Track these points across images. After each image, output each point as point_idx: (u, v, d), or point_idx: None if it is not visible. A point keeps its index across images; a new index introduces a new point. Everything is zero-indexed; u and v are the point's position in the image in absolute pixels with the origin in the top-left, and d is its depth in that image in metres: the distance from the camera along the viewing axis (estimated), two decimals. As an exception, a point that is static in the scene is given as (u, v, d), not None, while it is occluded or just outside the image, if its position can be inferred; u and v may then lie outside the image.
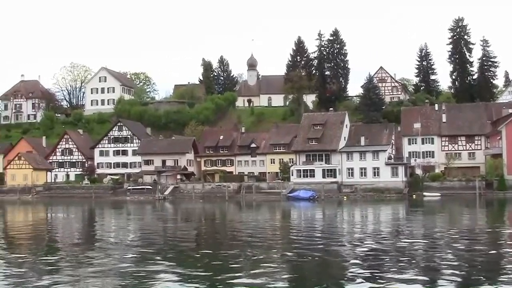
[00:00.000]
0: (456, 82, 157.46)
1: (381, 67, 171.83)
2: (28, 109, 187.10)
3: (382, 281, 25.81)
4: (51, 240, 47.43)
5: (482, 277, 27.08)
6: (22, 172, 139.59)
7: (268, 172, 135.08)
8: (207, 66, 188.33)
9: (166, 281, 26.67)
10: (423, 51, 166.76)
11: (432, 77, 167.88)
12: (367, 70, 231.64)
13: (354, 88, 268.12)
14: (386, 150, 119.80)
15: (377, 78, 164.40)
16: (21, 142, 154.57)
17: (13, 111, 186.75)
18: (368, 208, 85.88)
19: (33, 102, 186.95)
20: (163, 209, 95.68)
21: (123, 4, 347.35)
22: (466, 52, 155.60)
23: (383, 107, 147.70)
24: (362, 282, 25.68)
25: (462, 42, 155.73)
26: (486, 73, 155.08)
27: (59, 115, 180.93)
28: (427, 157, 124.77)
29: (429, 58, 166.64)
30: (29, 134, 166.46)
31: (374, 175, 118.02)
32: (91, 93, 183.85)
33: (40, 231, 56.83)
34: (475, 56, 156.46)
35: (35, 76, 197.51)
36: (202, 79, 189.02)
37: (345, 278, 27.40)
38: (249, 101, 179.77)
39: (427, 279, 26.49)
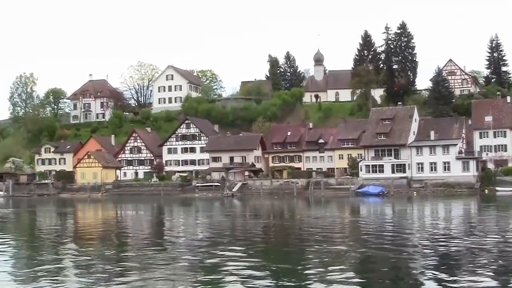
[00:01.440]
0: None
1: (450, 60, 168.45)
2: (96, 108, 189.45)
3: (457, 282, 24.95)
4: (121, 237, 47.54)
5: None
6: (92, 170, 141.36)
7: (337, 168, 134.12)
8: (273, 62, 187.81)
9: (238, 276, 26.38)
10: (494, 42, 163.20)
11: (504, 68, 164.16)
12: (436, 63, 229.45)
13: (423, 81, 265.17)
14: (457, 144, 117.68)
15: (446, 71, 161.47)
16: (90, 141, 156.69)
17: (82, 110, 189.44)
18: (439, 204, 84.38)
19: (102, 101, 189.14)
20: (232, 205, 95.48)
21: (189, 2, 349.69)
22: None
23: (453, 101, 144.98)
24: (437, 281, 24.89)
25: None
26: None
27: (127, 113, 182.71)
28: (499, 151, 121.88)
29: (500, 49, 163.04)
30: (98, 133, 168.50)
31: (445, 170, 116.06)
32: (159, 91, 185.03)
33: (111, 228, 57.15)
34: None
35: (103, 76, 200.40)
36: (268, 75, 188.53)
37: (418, 277, 26.65)
38: (316, 96, 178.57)
39: (506, 279, 25.53)
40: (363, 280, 26.31)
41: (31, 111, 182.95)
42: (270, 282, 25.61)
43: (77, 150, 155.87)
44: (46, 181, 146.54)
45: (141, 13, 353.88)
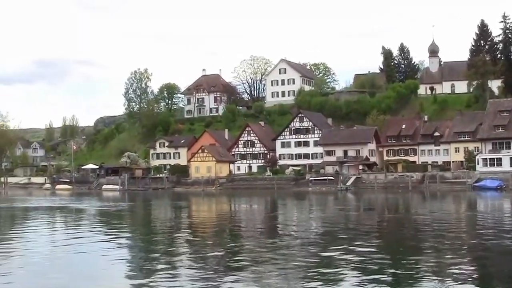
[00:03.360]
0: None
1: None
2: (210, 103, 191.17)
3: None
4: (235, 231, 47.36)
5: None
6: (206, 164, 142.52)
7: (452, 161, 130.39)
8: (387, 54, 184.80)
9: (357, 271, 25.30)
10: None
11: None
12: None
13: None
14: None
15: None
16: (204, 135, 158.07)
17: (196, 105, 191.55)
18: None
19: (215, 95, 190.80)
20: (346, 199, 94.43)
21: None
22: None
23: None
24: None
25: None
26: None
27: (240, 107, 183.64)
28: None
29: None
30: (211, 127, 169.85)
31: None
32: (272, 85, 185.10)
33: (225, 222, 57.17)
34: None
35: (216, 71, 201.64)
36: (382, 67, 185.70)
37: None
38: (431, 88, 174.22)
39: None
40: (484, 276, 24.82)
41: (145, 106, 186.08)
42: (387, 277, 24.43)
43: (191, 145, 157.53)
44: (161, 175, 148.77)
45: (254, 8, 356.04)
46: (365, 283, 23.61)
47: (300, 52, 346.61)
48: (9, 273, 26.94)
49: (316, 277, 24.90)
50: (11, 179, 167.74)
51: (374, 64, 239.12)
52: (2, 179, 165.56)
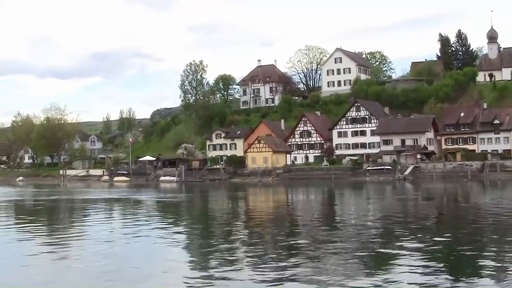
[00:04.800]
0: None
1: None
2: (266, 93, 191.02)
3: None
4: (292, 222, 47.05)
5: None
6: (262, 155, 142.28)
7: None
8: (444, 41, 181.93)
9: (412, 267, 24.70)
10: None
11: None
12: None
13: None
14: None
15: None
16: (260, 125, 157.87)
17: (252, 95, 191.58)
18: None
19: (271, 86, 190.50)
20: (404, 189, 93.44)
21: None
22: None
23: None
24: None
25: None
26: None
27: (296, 97, 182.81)
28: None
29: None
30: (267, 118, 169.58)
31: None
32: (327, 74, 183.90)
33: (282, 212, 56.89)
34: None
35: (271, 61, 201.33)
36: (439, 55, 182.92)
37: None
38: (491, 75, 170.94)
39: None
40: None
41: (201, 98, 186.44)
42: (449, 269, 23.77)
43: (248, 135, 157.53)
44: (218, 166, 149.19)
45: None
46: (425, 274, 23.01)
47: (355, 41, 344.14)
48: (77, 258, 27.16)
49: (375, 269, 24.42)
50: (69, 172, 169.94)
51: (431, 51, 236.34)
52: (61, 171, 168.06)
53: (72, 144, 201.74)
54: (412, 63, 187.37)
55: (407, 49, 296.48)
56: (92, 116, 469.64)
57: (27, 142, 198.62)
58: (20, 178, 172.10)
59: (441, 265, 24.77)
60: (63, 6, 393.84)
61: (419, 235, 33.97)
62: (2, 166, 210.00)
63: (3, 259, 29.87)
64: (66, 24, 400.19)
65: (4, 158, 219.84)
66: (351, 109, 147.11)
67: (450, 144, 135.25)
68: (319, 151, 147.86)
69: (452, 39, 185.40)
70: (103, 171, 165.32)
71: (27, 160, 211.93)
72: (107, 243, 34.54)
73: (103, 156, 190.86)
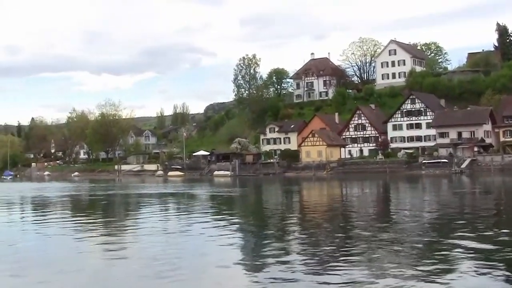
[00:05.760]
0: None
1: None
2: (319, 87, 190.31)
3: None
4: (347, 215, 46.24)
5: None
6: (316, 148, 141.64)
7: None
8: (502, 31, 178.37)
9: (464, 260, 23.74)
10: None
11: None
12: None
13: None
14: None
15: None
16: (314, 119, 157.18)
17: (305, 89, 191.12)
18: None
19: (324, 79, 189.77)
20: (461, 183, 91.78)
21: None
22: None
23: None
24: None
25: None
26: None
27: (350, 90, 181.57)
28: None
29: None
30: (321, 111, 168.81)
31: None
32: (381, 67, 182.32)
33: (336, 206, 56.11)
34: None
35: (324, 54, 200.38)
36: (497, 45, 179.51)
37: None
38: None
39: None
40: None
41: (254, 92, 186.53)
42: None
43: (301, 129, 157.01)
44: (272, 160, 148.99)
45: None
46: (484, 271, 22.02)
47: (410, 32, 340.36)
48: (133, 249, 26.98)
49: (433, 264, 23.50)
50: (124, 167, 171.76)
51: (488, 41, 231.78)
52: (116, 166, 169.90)
53: (127, 139, 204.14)
54: (469, 53, 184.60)
55: (463, 40, 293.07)
56: (146, 111, 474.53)
57: (82, 138, 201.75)
58: (76, 173, 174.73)
59: (502, 264, 23.69)
60: (115, 1, 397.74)
61: (479, 231, 32.90)
62: (58, 161, 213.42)
63: (71, 247, 30.16)
64: (119, 20, 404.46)
65: (60, 153, 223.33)
66: (406, 102, 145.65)
67: (508, 137, 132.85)
68: (374, 144, 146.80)
69: (511, 28, 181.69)
70: (157, 166, 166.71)
71: (82, 155, 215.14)
72: (164, 235, 34.76)
73: (157, 151, 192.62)
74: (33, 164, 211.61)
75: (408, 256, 25.48)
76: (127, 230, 39.10)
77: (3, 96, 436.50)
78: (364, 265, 23.81)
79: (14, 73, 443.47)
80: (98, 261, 26.88)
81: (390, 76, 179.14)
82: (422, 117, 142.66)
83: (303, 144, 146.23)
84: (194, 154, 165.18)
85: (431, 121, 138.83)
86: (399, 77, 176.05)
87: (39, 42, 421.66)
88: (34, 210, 58.75)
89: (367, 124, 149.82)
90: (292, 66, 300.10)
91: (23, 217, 52.25)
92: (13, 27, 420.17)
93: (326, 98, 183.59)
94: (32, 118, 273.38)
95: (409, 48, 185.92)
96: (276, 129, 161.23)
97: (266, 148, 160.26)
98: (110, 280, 22.83)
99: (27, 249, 30.92)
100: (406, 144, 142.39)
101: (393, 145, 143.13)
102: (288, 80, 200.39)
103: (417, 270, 22.45)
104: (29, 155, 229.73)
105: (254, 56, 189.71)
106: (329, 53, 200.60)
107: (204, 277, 23.14)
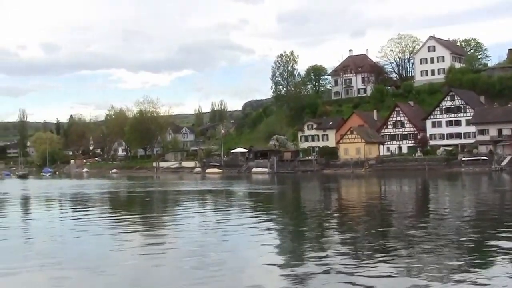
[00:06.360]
0: None
1: None
2: (357, 84, 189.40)
3: None
4: (386, 213, 46.19)
5: None
6: (355, 146, 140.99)
7: None
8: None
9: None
10: None
11: None
12: None
13: None
14: None
15: None
16: (352, 116, 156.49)
17: (343, 86, 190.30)
18: None
19: (362, 76, 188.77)
20: (501, 180, 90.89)
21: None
22: None
23: None
24: None
25: None
26: None
27: (388, 87, 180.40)
28: None
29: None
30: (360, 108, 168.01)
31: None
32: (420, 63, 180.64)
33: (375, 203, 56.07)
34: None
35: (363, 51, 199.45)
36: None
37: None
38: None
39: None
40: None
41: (292, 89, 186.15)
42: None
43: (340, 126, 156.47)
44: (310, 157, 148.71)
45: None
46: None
47: (449, 29, 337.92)
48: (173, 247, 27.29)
49: (472, 263, 23.43)
50: (162, 164, 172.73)
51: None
52: (154, 164, 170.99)
53: (165, 136, 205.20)
54: (509, 49, 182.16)
55: (504, 36, 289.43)
56: (184, 108, 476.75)
57: (120, 135, 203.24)
58: (114, 170, 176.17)
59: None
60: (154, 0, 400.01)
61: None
62: (96, 158, 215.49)
63: (112, 243, 30.64)
64: (156, 17, 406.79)
65: (99, 151, 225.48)
66: (445, 99, 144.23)
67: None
68: (413, 141, 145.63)
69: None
70: (195, 163, 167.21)
71: (120, 152, 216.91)
72: (202, 232, 35.38)
73: (195, 148, 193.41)
74: (71, 161, 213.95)
75: (446, 255, 25.43)
76: (166, 226, 39.81)
77: (42, 94, 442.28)
78: (402, 262, 23.85)
79: (52, 71, 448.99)
80: (138, 256, 27.36)
81: (429, 72, 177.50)
82: (461, 114, 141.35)
83: (341, 141, 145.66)
84: (232, 151, 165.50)
85: (470, 118, 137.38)
86: (438, 74, 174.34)
87: (77, 40, 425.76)
88: (75, 207, 59.62)
89: (405, 121, 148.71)
90: (330, 63, 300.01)
91: (63, 212, 53.79)
92: (51, 25, 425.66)
93: (365, 95, 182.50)
94: (71, 116, 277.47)
95: (448, 45, 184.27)
96: (314, 126, 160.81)
97: (304, 145, 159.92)
98: (150, 275, 23.13)
99: (71, 243, 31.93)
100: (445, 141, 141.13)
101: (432, 142, 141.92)
102: (326, 77, 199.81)
103: (454, 269, 22.43)
104: (68, 152, 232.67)
105: (291, 53, 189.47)
106: (367, 49, 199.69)
107: (242, 273, 23.35)
